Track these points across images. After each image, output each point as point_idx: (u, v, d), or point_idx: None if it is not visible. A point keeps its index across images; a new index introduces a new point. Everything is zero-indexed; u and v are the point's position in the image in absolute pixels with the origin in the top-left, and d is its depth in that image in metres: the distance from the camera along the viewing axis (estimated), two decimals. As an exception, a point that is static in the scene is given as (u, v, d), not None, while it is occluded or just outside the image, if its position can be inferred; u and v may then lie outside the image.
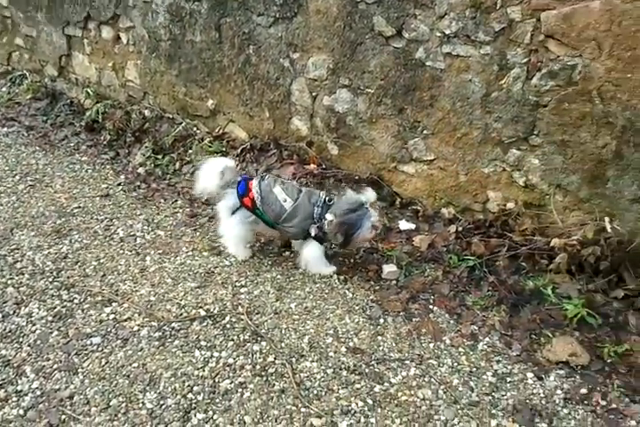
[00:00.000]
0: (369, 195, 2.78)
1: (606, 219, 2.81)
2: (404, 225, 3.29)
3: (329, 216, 2.71)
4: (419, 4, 3.03)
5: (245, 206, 2.85)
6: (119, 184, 3.91)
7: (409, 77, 3.24)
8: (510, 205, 3.13)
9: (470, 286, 2.86)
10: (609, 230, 2.76)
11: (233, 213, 2.87)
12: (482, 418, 2.21)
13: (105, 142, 4.39)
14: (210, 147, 3.97)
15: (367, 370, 2.43)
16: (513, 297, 2.75)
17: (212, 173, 2.88)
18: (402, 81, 3.27)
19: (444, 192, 3.39)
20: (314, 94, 3.68)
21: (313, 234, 2.80)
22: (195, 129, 4.32)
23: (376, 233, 2.83)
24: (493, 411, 2.25)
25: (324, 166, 3.71)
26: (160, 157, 4.09)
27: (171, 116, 4.49)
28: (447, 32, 3.00)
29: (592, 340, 2.56)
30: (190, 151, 4.00)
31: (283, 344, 2.55)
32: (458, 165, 3.28)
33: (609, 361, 2.45)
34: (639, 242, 2.82)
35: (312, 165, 3.70)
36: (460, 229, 3.19)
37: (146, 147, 4.17)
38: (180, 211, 3.59)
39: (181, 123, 4.30)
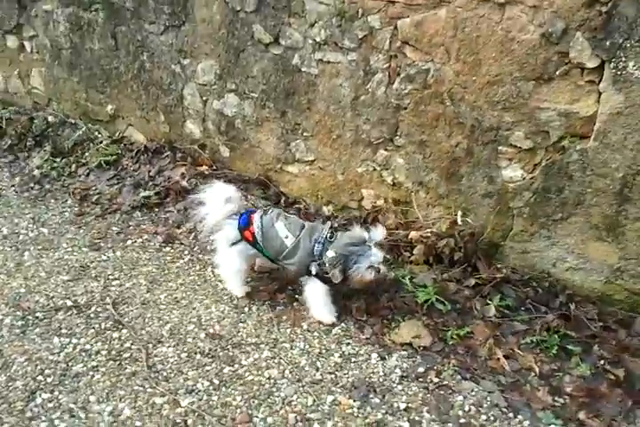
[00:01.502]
0: (376, 233, 2.57)
1: (459, 213, 3.01)
2: (285, 222, 3.40)
3: (329, 253, 2.53)
4: (292, 12, 3.21)
5: (246, 240, 2.72)
6: (12, 186, 3.92)
7: (288, 82, 3.41)
8: (380, 202, 3.30)
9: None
10: (459, 223, 2.95)
11: (232, 244, 2.76)
12: (320, 394, 2.33)
13: (5, 147, 4.39)
14: (106, 150, 4.03)
15: (221, 353, 2.51)
16: (372, 287, 2.90)
17: (216, 201, 2.75)
18: (282, 86, 3.44)
19: (325, 191, 3.55)
20: (204, 99, 3.81)
21: (313, 272, 2.63)
22: (96, 133, 4.38)
23: (377, 275, 2.56)
24: (333, 388, 2.37)
25: (214, 168, 3.82)
26: (58, 160, 4.13)
27: (73, 122, 4.55)
28: (318, 39, 3.18)
29: (439, 324, 2.72)
30: (87, 154, 4.05)
31: (143, 332, 2.62)
32: (335, 166, 3.45)
33: (450, 343, 2.62)
34: (490, 234, 3.03)
35: (204, 167, 3.80)
36: (336, 225, 3.33)
37: (45, 150, 4.21)
38: (69, 210, 3.64)
39: (82, 127, 4.35)
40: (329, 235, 2.62)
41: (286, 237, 2.65)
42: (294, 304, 2.86)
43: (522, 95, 2.71)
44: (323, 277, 2.62)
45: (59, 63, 4.47)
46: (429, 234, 2.95)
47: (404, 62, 2.99)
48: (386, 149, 3.23)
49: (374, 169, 3.32)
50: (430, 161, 3.10)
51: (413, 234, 3.00)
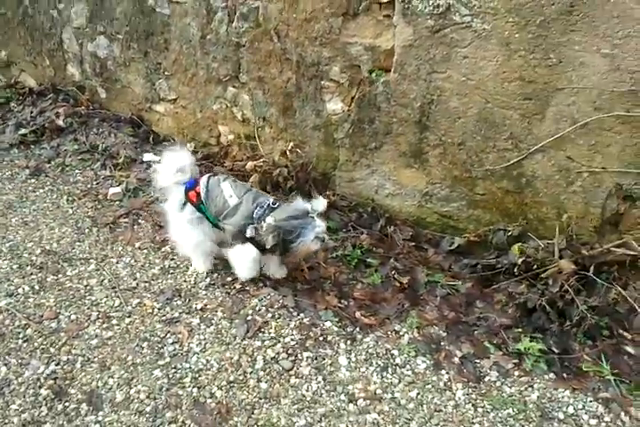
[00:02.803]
0: (318, 204, 2.54)
1: (290, 144, 3.26)
2: (148, 157, 3.67)
3: (269, 219, 2.46)
4: (141, -46, 3.37)
5: (190, 201, 2.68)
6: None
7: (146, 23, 3.60)
8: (231, 137, 3.55)
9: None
10: (289, 154, 3.21)
11: (181, 208, 2.71)
12: (128, 299, 2.63)
13: None
14: (-4, 93, 4.24)
15: (50, 266, 2.80)
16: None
17: (169, 169, 2.71)
18: (142, 26, 3.63)
19: (188, 129, 3.80)
20: (80, 42, 4.00)
21: (248, 235, 2.54)
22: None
23: (321, 245, 2.54)
24: (143, 293, 2.67)
25: (92, 108, 4.04)
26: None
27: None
28: (166, -20, 3.35)
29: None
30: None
31: (-15, 248, 2.89)
32: (194, 104, 3.68)
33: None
34: (322, 164, 3.30)
35: (82, 107, 4.02)
36: (195, 159, 3.58)
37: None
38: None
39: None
40: (272, 201, 2.58)
41: (230, 197, 2.62)
42: (134, 227, 3.12)
43: (334, 31, 2.93)
44: (256, 241, 2.56)
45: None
46: (262, 164, 3.19)
47: (238, 1, 3.17)
48: (234, 86, 3.45)
49: (227, 106, 3.55)
50: (269, 97, 3.33)
51: (249, 164, 3.25)
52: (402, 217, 3.23)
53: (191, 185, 2.68)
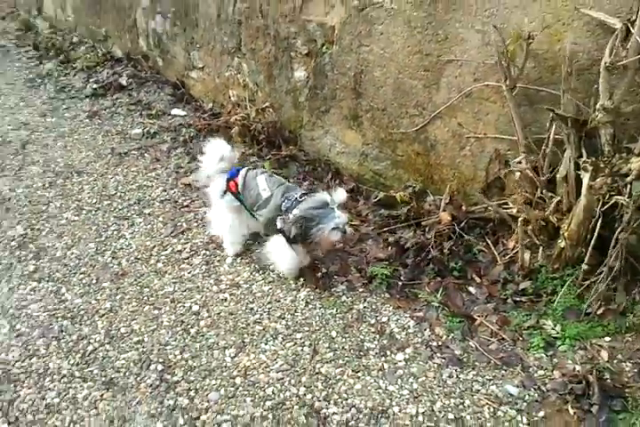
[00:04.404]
0: (339, 195, 2.67)
1: (264, 105, 3.99)
2: (175, 111, 4.62)
3: (295, 211, 2.64)
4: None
5: (230, 191, 2.88)
6: (22, 79, 5.48)
7: (185, 4, 4.53)
8: (234, 99, 4.36)
9: (181, 146, 4.15)
10: (261, 113, 3.94)
11: (222, 195, 2.93)
12: (103, 200, 3.53)
13: (36, 56, 6.02)
14: (90, 60, 5.47)
15: (64, 174, 3.80)
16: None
17: (212, 157, 2.95)
18: (182, 7, 4.57)
19: (211, 92, 4.67)
20: (145, 20, 5.06)
21: (278, 226, 2.72)
22: (97, 50, 5.82)
23: (342, 236, 2.67)
24: (116, 199, 3.56)
25: (150, 73, 5.09)
26: (63, 66, 5.66)
27: (86, 41, 6.05)
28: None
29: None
30: (78, 62, 5.52)
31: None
32: (214, 71, 4.54)
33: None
34: (293, 125, 3.98)
35: (143, 72, 5.10)
36: (208, 113, 4.46)
37: (58, 59, 5.74)
38: (46, 94, 5.10)
39: (86, 45, 5.83)
40: (299, 195, 2.72)
41: (264, 190, 2.79)
42: (139, 158, 4.05)
43: (297, 10, 3.61)
44: (284, 232, 2.72)
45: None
46: (240, 118, 3.96)
47: (241, -15, 3.96)
48: (238, 57, 4.25)
49: (234, 74, 4.36)
50: (259, 65, 4.08)
51: (234, 118, 4.03)
52: (347, 173, 3.78)
53: (232, 175, 2.88)
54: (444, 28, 2.89)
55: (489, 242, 3.01)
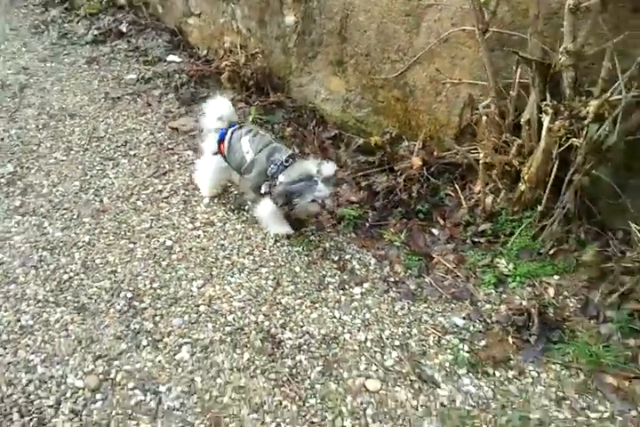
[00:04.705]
0: (327, 168, 2.64)
1: (254, 51, 4.02)
2: (171, 58, 4.67)
3: (281, 177, 2.64)
4: None
5: (220, 152, 2.91)
6: (27, 26, 5.56)
7: (183, -51, 4.52)
8: (227, 45, 4.40)
9: (172, 92, 4.22)
10: (251, 59, 3.98)
11: (213, 154, 2.96)
12: (93, 142, 3.66)
13: (42, 3, 6.04)
14: (93, 7, 5.50)
15: (57, 117, 3.90)
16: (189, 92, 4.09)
17: (211, 116, 2.96)
18: (180, -48, 4.56)
19: (207, 39, 4.70)
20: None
21: (263, 191, 2.74)
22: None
23: (321, 207, 2.73)
24: (105, 142, 3.68)
25: (149, 20, 5.12)
26: (66, 13, 5.69)
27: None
28: None
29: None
30: (81, 9, 5.57)
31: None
32: (210, 18, 4.56)
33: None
34: (282, 71, 4.02)
35: (142, 19, 5.13)
36: (202, 60, 4.51)
37: (64, 7, 5.78)
38: (49, 40, 5.19)
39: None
40: (285, 159, 2.68)
41: (247, 153, 2.76)
42: (131, 103, 4.15)
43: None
44: (271, 197, 2.74)
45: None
46: (230, 64, 4.01)
47: None
48: (233, 3, 4.26)
49: (228, 20, 4.38)
50: (251, 11, 4.10)
51: (223, 64, 4.08)
52: (331, 120, 3.85)
53: (222, 136, 2.88)
54: (425, -29, 2.87)
55: (457, 186, 3.09)
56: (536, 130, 2.59)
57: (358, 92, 3.55)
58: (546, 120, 2.47)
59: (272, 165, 2.69)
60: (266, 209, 2.82)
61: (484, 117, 2.75)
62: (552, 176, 2.54)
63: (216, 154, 2.93)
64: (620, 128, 2.28)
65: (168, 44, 4.79)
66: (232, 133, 2.85)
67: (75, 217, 2.98)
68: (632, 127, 2.31)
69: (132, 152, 3.53)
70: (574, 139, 2.38)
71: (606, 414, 2.08)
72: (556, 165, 2.51)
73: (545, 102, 2.48)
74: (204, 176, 3.08)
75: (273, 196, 2.69)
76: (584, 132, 2.38)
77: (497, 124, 2.76)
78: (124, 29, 5.00)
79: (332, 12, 3.43)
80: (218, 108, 2.93)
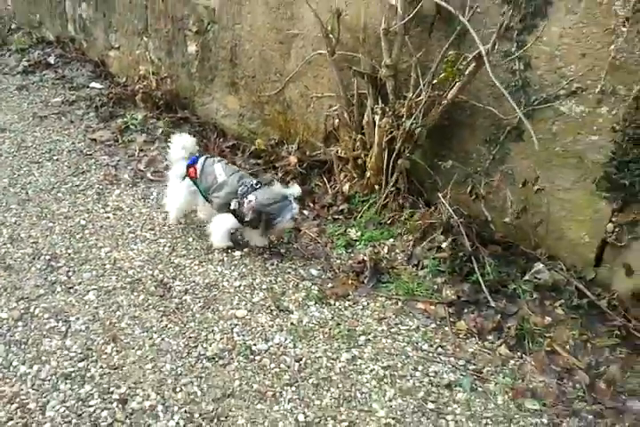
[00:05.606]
0: (294, 190, 3.05)
1: (162, 75, 4.77)
2: (94, 84, 5.35)
3: (251, 196, 2.97)
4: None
5: (189, 176, 3.19)
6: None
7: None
8: (142, 73, 5.12)
9: (93, 111, 4.86)
10: (160, 83, 4.72)
11: (182, 179, 3.24)
12: (18, 148, 4.26)
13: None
14: (23, 43, 6.15)
15: None
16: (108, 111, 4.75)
17: (175, 146, 3.29)
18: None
19: (125, 68, 5.41)
20: (73, 7, 5.79)
21: (231, 207, 3.05)
22: (32, 35, 6.50)
23: (295, 223, 3.17)
24: (38, 151, 4.29)
25: (75, 54, 5.82)
26: (-3, 46, 6.31)
27: (24, 28, 6.72)
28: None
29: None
30: (12, 45, 6.20)
31: None
32: (127, 50, 5.29)
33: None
34: (188, 93, 4.77)
35: (69, 53, 5.81)
36: (121, 85, 5.21)
37: (-7, 40, 6.40)
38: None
39: (23, 30, 6.50)
40: (255, 182, 3.07)
41: (220, 175, 3.09)
42: (62, 119, 4.78)
43: (187, -6, 4.40)
44: (237, 213, 3.08)
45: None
46: (143, 87, 4.73)
47: (146, -23, 4.75)
48: (146, 37, 5.01)
49: (143, 51, 5.12)
50: (161, 43, 4.86)
51: (137, 87, 4.80)
52: (230, 132, 4.59)
53: (192, 162, 3.19)
54: (291, 8, 3.72)
55: (324, 178, 3.85)
56: (373, 128, 3.41)
57: (249, 108, 4.32)
58: (377, 119, 3.29)
59: (242, 186, 3.04)
60: (225, 222, 3.15)
61: (337, 120, 3.56)
62: (385, 163, 3.34)
63: (184, 178, 3.22)
64: (422, 122, 3.12)
65: (92, 73, 5.48)
66: (205, 159, 3.19)
67: (3, 204, 3.54)
68: (432, 120, 3.15)
69: (55, 157, 4.14)
70: (396, 131, 3.21)
71: (413, 327, 2.81)
72: (385, 154, 3.32)
73: (376, 106, 3.31)
74: (175, 200, 3.30)
75: (242, 211, 3.02)
76: (402, 126, 3.20)
77: (348, 126, 3.57)
78: (52, 61, 5.66)
79: (225, 42, 4.23)
80: (181, 141, 3.29)
